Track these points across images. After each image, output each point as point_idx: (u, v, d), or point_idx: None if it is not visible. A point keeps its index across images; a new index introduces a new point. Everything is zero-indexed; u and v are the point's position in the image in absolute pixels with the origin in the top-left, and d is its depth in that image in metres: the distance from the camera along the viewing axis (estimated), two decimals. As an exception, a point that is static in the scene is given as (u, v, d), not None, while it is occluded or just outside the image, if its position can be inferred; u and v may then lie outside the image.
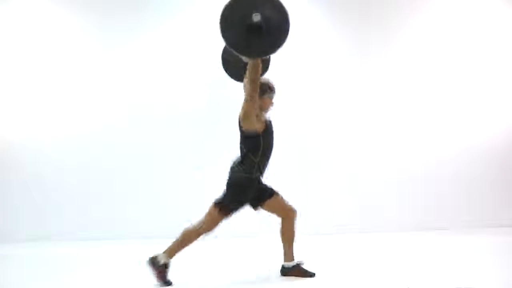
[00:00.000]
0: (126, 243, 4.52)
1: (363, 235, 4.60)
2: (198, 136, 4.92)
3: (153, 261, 2.81)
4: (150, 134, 4.93)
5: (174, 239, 2.88)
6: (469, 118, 5.15)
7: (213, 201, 2.88)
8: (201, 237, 2.87)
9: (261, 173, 2.90)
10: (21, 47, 4.96)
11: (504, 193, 5.05)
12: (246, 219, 4.62)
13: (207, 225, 2.86)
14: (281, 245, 2.96)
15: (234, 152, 4.74)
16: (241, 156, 2.89)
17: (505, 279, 2.87)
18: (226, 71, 3.35)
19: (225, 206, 2.83)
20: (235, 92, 4.81)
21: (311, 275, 2.92)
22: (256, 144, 2.82)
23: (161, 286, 2.78)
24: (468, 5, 5.23)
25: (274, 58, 4.94)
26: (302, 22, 5.09)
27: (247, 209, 4.73)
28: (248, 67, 2.79)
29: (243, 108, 2.81)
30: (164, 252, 2.83)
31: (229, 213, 2.85)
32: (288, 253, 2.94)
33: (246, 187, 2.85)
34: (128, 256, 3.97)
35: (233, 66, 3.21)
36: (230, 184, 2.87)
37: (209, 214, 2.86)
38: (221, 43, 4.97)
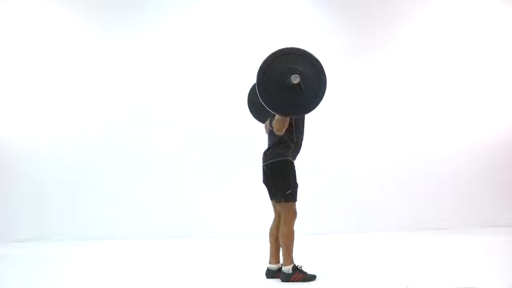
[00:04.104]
0: (126, 243, 4.52)
1: (363, 235, 4.60)
2: (198, 136, 4.92)
3: (287, 276, 2.87)
4: (150, 134, 4.93)
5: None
6: (469, 117, 5.16)
7: (275, 200, 2.93)
8: (294, 227, 2.90)
9: (294, 157, 2.94)
10: (20, 46, 4.95)
11: (504, 193, 5.05)
12: (246, 219, 4.66)
13: (289, 216, 2.88)
14: (271, 247, 2.96)
15: (235, 151, 4.79)
16: (275, 140, 2.92)
17: (505, 279, 2.87)
18: (252, 113, 3.40)
19: (287, 195, 2.86)
20: (235, 91, 4.85)
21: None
22: (289, 130, 2.86)
23: (310, 280, 2.88)
24: (468, 5, 5.23)
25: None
26: (302, 22, 5.12)
27: (247, 209, 4.72)
28: (277, 119, 2.77)
29: (277, 123, 2.78)
30: (285, 265, 2.89)
31: (295, 197, 2.89)
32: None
33: (286, 167, 2.88)
34: (128, 256, 3.97)
35: (260, 110, 3.19)
36: (273, 173, 2.90)
37: (283, 211, 2.90)
38: (221, 43, 5.03)
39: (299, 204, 2.93)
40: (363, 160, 5.00)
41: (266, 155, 2.95)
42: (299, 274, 2.88)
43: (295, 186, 2.91)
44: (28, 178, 4.85)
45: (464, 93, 5.18)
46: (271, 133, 2.98)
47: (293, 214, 2.90)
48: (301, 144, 2.97)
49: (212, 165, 4.88)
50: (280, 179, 2.89)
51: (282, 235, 2.90)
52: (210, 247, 4.27)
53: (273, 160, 2.90)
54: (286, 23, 5.05)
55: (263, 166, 2.97)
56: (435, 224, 4.89)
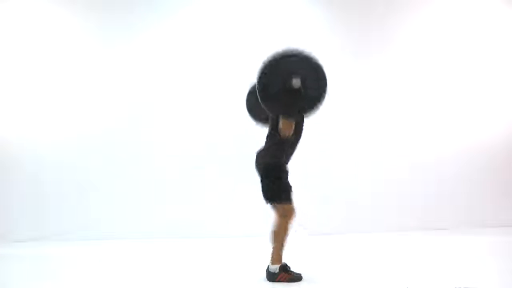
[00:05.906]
0: (126, 243, 4.52)
1: (363, 235, 4.60)
2: (198, 136, 4.92)
3: (273, 275, 2.88)
4: (150, 134, 4.93)
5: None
6: (469, 117, 5.16)
7: (269, 203, 2.91)
8: (289, 229, 2.89)
9: (287, 160, 2.95)
10: (20, 47, 4.94)
11: (504, 193, 5.05)
12: (246, 219, 4.66)
13: (288, 217, 2.88)
14: (270, 245, 2.94)
15: (235, 151, 4.79)
16: (271, 142, 2.92)
17: (505, 279, 2.87)
18: (250, 113, 3.40)
19: (282, 197, 2.86)
20: (235, 91, 4.85)
21: (298, 278, 2.91)
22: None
23: (297, 281, 2.86)
24: (468, 5, 5.24)
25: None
26: (301, 22, 5.11)
27: (247, 209, 4.71)
28: (283, 122, 2.79)
29: (283, 126, 2.80)
30: (272, 264, 2.90)
31: (290, 199, 2.88)
32: (277, 255, 2.92)
33: (280, 170, 2.88)
34: (128, 256, 3.97)
35: (258, 111, 3.18)
36: (265, 176, 2.90)
37: (279, 213, 2.89)
38: (220, 43, 5.03)
39: (297, 204, 2.93)
40: (363, 160, 5.00)
41: (260, 156, 2.95)
42: (285, 274, 2.88)
43: (289, 187, 2.90)
44: (28, 178, 4.85)
45: (464, 93, 5.18)
46: (269, 135, 2.97)
47: (292, 214, 2.90)
48: (295, 148, 2.97)
49: (212, 165, 4.88)
50: (273, 181, 2.88)
51: (276, 233, 2.89)
52: (210, 247, 4.27)
53: (266, 161, 2.89)
54: (286, 23, 5.05)
55: (255, 167, 2.96)
56: (435, 224, 4.89)
